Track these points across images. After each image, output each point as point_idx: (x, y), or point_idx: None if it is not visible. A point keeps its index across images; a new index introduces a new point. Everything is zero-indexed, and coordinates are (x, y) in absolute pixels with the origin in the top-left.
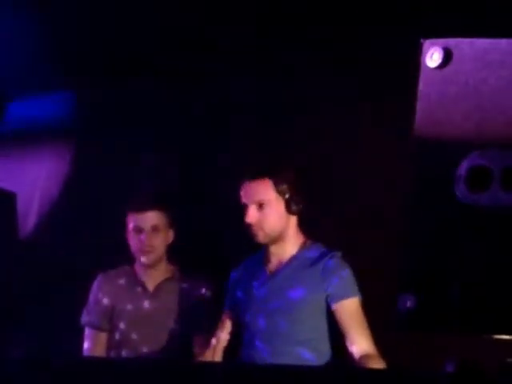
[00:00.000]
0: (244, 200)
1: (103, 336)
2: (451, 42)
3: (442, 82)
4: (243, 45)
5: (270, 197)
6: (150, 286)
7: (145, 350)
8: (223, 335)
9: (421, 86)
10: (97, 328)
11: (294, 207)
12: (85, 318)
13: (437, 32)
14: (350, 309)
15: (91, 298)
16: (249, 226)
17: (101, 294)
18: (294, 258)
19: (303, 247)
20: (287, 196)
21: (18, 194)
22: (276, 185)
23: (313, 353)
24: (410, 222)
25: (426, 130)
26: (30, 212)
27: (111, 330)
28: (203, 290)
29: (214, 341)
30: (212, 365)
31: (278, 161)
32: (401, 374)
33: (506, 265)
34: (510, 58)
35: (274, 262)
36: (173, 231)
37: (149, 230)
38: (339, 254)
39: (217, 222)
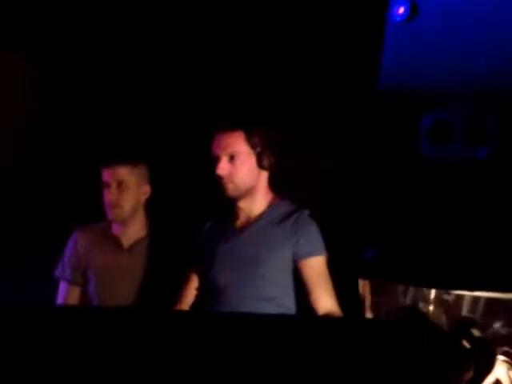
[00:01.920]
0: (215, 152)
1: (76, 289)
2: None
3: (407, 36)
4: None
5: (241, 149)
6: (125, 243)
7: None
8: (188, 291)
9: (387, 39)
10: (70, 282)
11: (265, 162)
12: (58, 272)
13: None
14: (315, 266)
15: (65, 252)
16: (219, 179)
17: (75, 249)
18: (261, 215)
19: (272, 204)
20: (259, 150)
21: None
22: (248, 137)
23: (278, 310)
24: (373, 175)
25: (391, 84)
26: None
27: (83, 286)
28: (174, 246)
29: (179, 296)
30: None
31: (252, 113)
32: (351, 322)
33: (467, 219)
34: (476, 11)
35: (241, 219)
36: (149, 186)
37: (115, 186)
38: (307, 211)
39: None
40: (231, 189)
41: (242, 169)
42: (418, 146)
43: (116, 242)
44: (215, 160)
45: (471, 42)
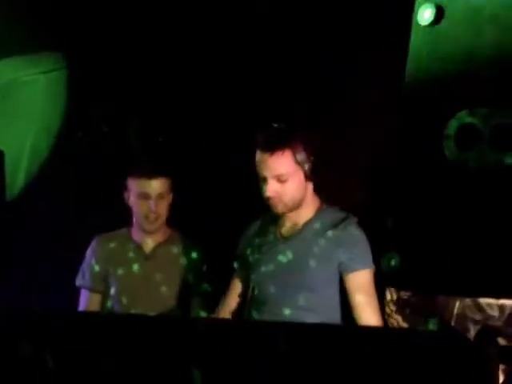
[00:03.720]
0: (262, 173)
1: (97, 297)
2: None
3: (433, 39)
4: None
5: (290, 169)
6: (147, 249)
7: (128, 308)
8: (231, 297)
9: (412, 43)
10: (90, 289)
11: (312, 174)
12: (79, 281)
13: None
14: (360, 281)
15: (85, 261)
16: (267, 199)
17: (94, 259)
18: (308, 224)
19: (319, 212)
20: (307, 166)
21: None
22: (296, 156)
23: (321, 320)
24: (398, 179)
25: (416, 88)
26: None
27: (103, 295)
28: (194, 254)
29: (221, 302)
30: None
31: (295, 130)
32: (387, 333)
33: (493, 225)
34: (503, 17)
35: (287, 226)
36: (172, 195)
37: (156, 197)
38: (355, 220)
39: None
40: (281, 207)
41: (292, 187)
42: (444, 150)
43: (137, 248)
44: (262, 181)
45: (497, 45)
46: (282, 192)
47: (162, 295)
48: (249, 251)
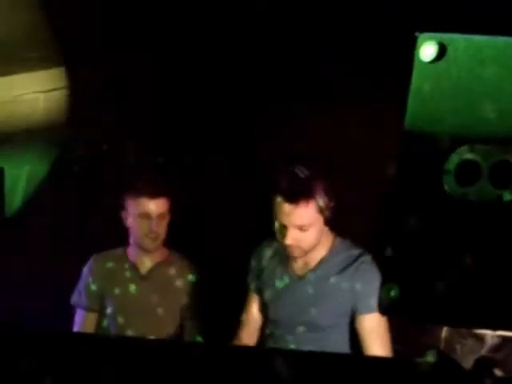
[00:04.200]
0: (283, 221)
1: (92, 316)
2: (446, 36)
3: (434, 76)
4: None
5: (313, 220)
6: (143, 269)
7: (130, 334)
8: (251, 316)
9: (414, 79)
10: (86, 309)
11: (332, 218)
12: (74, 299)
13: (432, 26)
14: (372, 323)
15: (81, 280)
16: (286, 246)
17: (90, 278)
18: (322, 261)
19: (332, 248)
20: (328, 213)
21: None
22: (319, 206)
23: None
24: (398, 212)
25: (417, 124)
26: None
27: (99, 314)
28: (190, 276)
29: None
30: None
31: (318, 175)
32: (387, 362)
33: (493, 259)
34: (504, 57)
35: (299, 264)
36: (170, 215)
37: (157, 217)
38: (369, 257)
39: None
40: (298, 252)
41: (312, 235)
42: (444, 185)
43: (133, 268)
44: (282, 227)
45: (498, 83)
46: (301, 240)
47: (158, 316)
48: (261, 282)
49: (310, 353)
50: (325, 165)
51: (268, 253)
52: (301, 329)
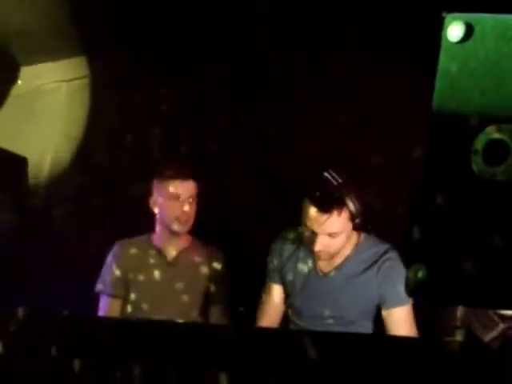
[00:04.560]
0: (313, 228)
1: (118, 303)
2: (473, 16)
3: (462, 56)
4: None
5: (344, 228)
6: (169, 256)
7: (148, 314)
8: (271, 307)
9: (441, 60)
10: (111, 296)
11: (361, 224)
12: (99, 286)
13: (459, 6)
14: (399, 317)
15: (105, 267)
16: (316, 251)
17: (114, 264)
18: (347, 261)
19: (358, 244)
20: (358, 220)
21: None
22: (351, 214)
23: None
24: (426, 193)
25: (444, 104)
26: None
27: (124, 301)
28: (217, 263)
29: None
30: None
31: (350, 183)
32: (414, 343)
33: None
34: None
35: (325, 261)
36: (197, 201)
37: (189, 199)
38: (394, 253)
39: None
40: (326, 256)
41: (341, 241)
42: (472, 165)
43: (159, 254)
44: (312, 233)
45: None
46: (330, 245)
47: (183, 303)
48: (286, 275)
49: (339, 334)
50: (354, 169)
51: (290, 244)
52: (325, 322)
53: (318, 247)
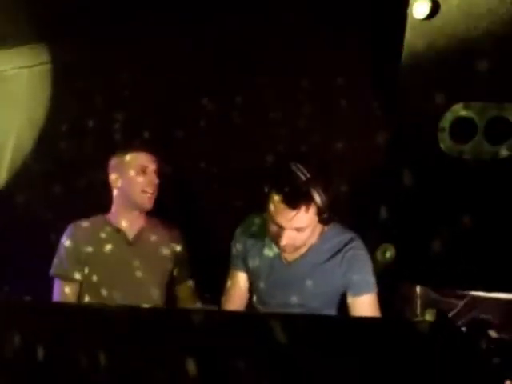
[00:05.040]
0: (280, 223)
1: (75, 286)
2: None
3: (428, 33)
4: None
5: (311, 222)
6: (129, 234)
7: (112, 298)
8: (236, 293)
9: (407, 37)
10: (68, 278)
11: (327, 218)
12: (55, 269)
13: None
14: (364, 305)
15: (61, 248)
16: (280, 246)
17: (66, 240)
18: (311, 250)
19: (322, 235)
20: (325, 215)
21: None
22: (318, 209)
23: None
24: (394, 171)
25: (411, 82)
26: (2, 161)
27: (83, 280)
28: (177, 243)
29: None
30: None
31: (318, 178)
32: (383, 323)
33: (490, 218)
34: (496, 10)
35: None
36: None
37: (154, 172)
38: (359, 241)
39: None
40: (291, 250)
41: (307, 235)
42: (439, 143)
43: (119, 233)
44: (278, 227)
45: (493, 39)
46: (296, 239)
47: (138, 279)
48: (250, 262)
49: (306, 316)
50: (321, 162)
51: (255, 230)
52: (291, 310)
53: (284, 241)
